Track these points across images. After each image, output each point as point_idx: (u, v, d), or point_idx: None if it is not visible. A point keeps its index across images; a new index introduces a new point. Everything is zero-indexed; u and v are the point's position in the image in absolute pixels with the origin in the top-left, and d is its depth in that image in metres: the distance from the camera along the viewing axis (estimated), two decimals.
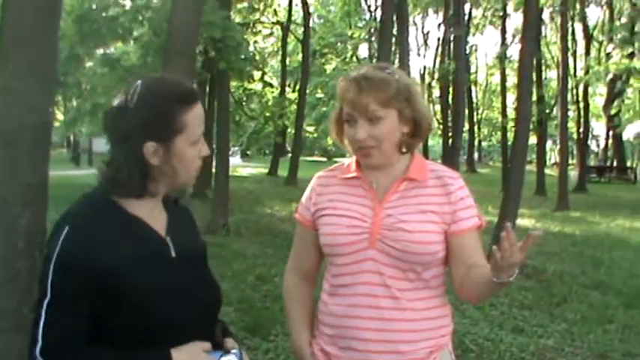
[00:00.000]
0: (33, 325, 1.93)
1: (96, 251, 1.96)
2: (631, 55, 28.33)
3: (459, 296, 2.58)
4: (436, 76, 45.24)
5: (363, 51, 50.73)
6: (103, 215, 2.05)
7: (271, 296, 8.80)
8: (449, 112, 32.36)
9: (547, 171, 35.37)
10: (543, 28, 39.34)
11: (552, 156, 68.11)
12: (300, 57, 38.01)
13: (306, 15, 33.66)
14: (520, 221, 14.25)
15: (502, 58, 40.44)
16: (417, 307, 2.51)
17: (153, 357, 1.99)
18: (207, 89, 23.03)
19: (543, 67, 37.08)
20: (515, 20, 44.04)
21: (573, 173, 35.50)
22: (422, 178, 2.56)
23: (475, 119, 59.27)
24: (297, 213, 2.77)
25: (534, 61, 18.36)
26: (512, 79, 46.34)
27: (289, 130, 39.86)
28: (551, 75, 47.94)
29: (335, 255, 2.56)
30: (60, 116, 47.57)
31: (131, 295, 1.99)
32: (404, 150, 2.59)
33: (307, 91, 36.41)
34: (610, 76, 33.56)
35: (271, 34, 43.03)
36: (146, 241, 2.10)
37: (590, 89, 41.53)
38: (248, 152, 59.53)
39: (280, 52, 39.74)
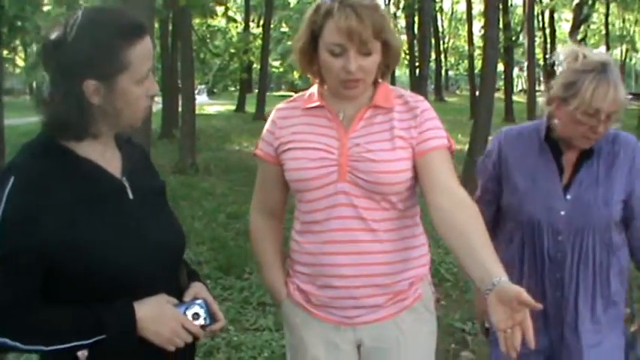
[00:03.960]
0: None
1: (47, 200, 1.79)
2: None
3: (434, 224, 2.33)
4: (401, 5, 44.85)
5: None
6: (50, 162, 1.86)
7: (243, 234, 8.72)
8: (415, 41, 32.12)
9: (515, 98, 35.38)
10: None
11: (519, 83, 68.29)
12: None
13: None
14: None
15: None
16: (394, 237, 2.41)
17: (115, 311, 1.85)
18: (170, 27, 22.60)
19: None
20: None
21: (541, 99, 35.53)
22: (388, 105, 2.42)
23: (441, 48, 58.97)
24: (257, 149, 2.59)
25: None
26: (477, 7, 46.07)
27: (255, 65, 39.31)
28: (517, 2, 47.72)
29: (303, 190, 2.43)
30: (21, 63, 46.58)
31: (87, 245, 1.82)
32: (379, 80, 2.45)
33: (272, 26, 35.92)
34: (576, 1, 33.39)
35: None
36: (100, 185, 1.92)
37: (555, 15, 41.44)
38: (215, 90, 58.87)
39: None
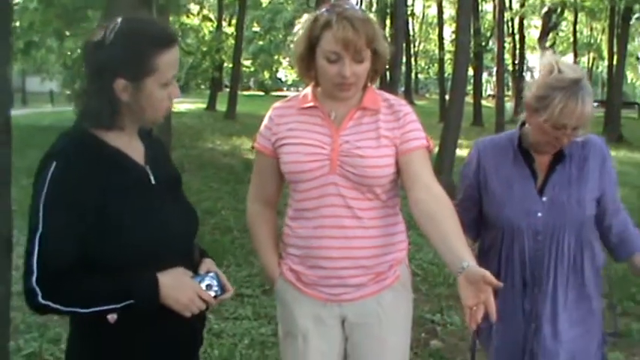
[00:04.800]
0: (26, 256, 2.02)
1: (83, 184, 2.06)
2: None
3: (414, 216, 2.61)
4: (374, 8, 45.14)
5: None
6: (86, 149, 2.13)
7: (220, 229, 8.97)
8: None
9: (483, 102, 35.80)
10: None
11: (488, 87, 68.85)
12: None
13: None
14: (459, 151, 14.51)
15: None
16: (377, 224, 2.70)
17: (142, 281, 2.11)
18: None
19: (480, 0, 37.27)
20: None
21: (509, 104, 36.00)
22: (375, 107, 2.71)
23: (412, 51, 59.42)
24: (256, 143, 2.86)
25: None
26: (448, 12, 46.55)
27: (226, 64, 39.35)
28: (487, 8, 48.26)
29: (298, 181, 2.70)
30: None
31: (118, 223, 2.09)
32: (368, 84, 2.74)
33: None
34: (545, 9, 33.91)
35: None
36: (128, 171, 2.20)
37: (525, 22, 41.95)
38: (183, 87, 58.82)
39: None
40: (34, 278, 2.01)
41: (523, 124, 2.96)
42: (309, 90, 2.78)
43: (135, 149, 2.27)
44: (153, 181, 2.26)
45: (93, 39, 2.12)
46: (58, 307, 2.03)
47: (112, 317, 2.11)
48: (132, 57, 2.08)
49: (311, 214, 2.70)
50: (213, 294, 2.26)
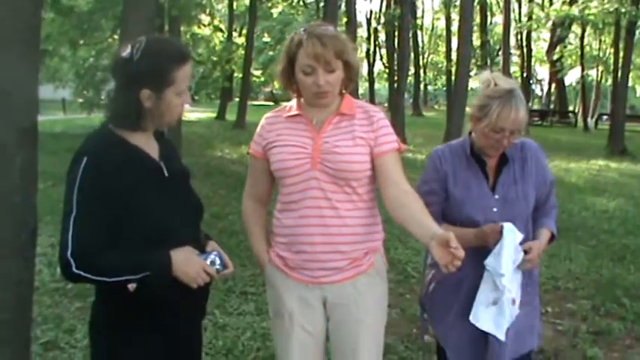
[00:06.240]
0: (62, 234, 2.45)
1: (111, 175, 2.49)
2: (572, 3, 28.86)
3: (388, 210, 3.06)
4: (382, 20, 45.50)
5: None
6: (112, 147, 2.57)
7: (227, 232, 9.31)
8: (395, 56, 32.69)
9: None
10: None
11: None
12: (247, 1, 37.77)
13: None
14: None
15: (447, 2, 40.83)
16: (353, 215, 3.11)
17: (157, 256, 2.53)
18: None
19: (488, 13, 37.55)
20: None
21: None
22: (351, 113, 3.15)
23: (421, 63, 59.77)
24: (250, 148, 3.33)
25: (478, 6, 18.74)
26: (457, 24, 46.76)
27: (236, 74, 39.75)
28: (497, 20, 48.53)
29: (284, 177, 3.13)
30: None
31: (138, 208, 2.52)
32: (343, 91, 3.16)
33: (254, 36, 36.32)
34: (550, 22, 34.08)
35: None
36: (146, 165, 2.64)
37: (533, 34, 42.12)
38: (196, 97, 59.11)
39: None
40: (69, 252, 2.42)
41: (470, 133, 3.40)
42: (294, 101, 3.23)
43: (151, 147, 2.71)
44: (166, 174, 2.70)
45: (122, 55, 2.56)
46: (88, 276, 2.45)
47: (131, 286, 2.54)
48: (155, 71, 2.52)
49: (296, 206, 3.12)
50: (216, 269, 2.67)
